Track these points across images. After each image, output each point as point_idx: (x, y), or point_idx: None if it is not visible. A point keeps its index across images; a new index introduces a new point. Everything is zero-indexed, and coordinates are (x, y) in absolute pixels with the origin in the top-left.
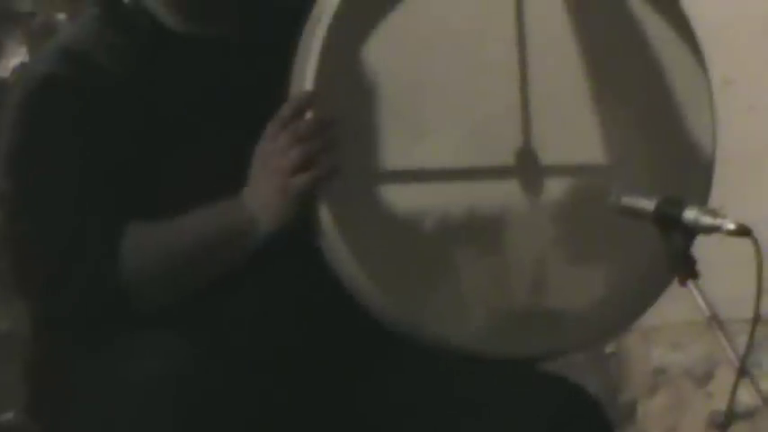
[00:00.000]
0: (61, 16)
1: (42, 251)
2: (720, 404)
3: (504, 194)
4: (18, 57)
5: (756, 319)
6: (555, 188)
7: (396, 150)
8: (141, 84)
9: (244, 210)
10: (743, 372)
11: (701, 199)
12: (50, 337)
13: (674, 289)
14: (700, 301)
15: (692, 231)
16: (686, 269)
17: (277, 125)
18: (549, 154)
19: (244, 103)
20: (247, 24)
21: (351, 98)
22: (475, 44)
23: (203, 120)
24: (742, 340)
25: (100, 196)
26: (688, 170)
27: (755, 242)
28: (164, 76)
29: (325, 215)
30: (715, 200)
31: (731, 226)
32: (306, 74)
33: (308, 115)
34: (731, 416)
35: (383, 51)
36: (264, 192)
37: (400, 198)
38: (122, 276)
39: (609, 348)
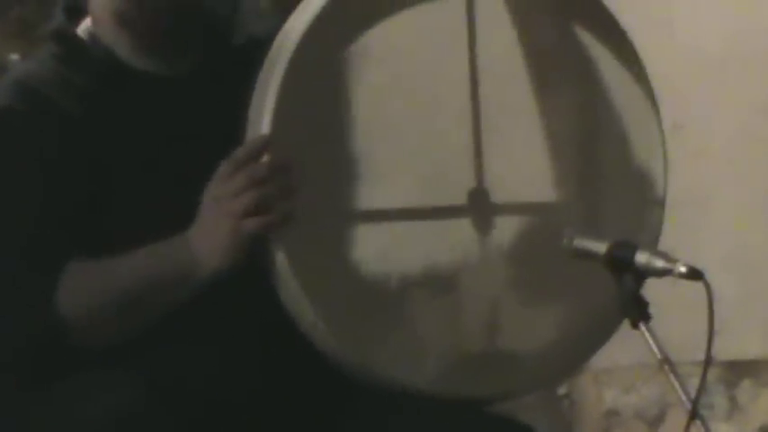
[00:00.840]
0: (14, 56)
1: None
2: None
3: (457, 235)
4: None
5: (708, 361)
6: (508, 228)
7: (351, 192)
8: (95, 120)
9: (189, 250)
10: (694, 414)
11: (653, 239)
12: None
13: (626, 331)
14: (651, 343)
15: (644, 274)
16: (638, 312)
17: (231, 167)
18: (502, 194)
19: (197, 142)
20: (205, 63)
21: (307, 141)
22: (429, 86)
23: (156, 157)
24: (694, 383)
25: (43, 232)
26: (640, 211)
27: (707, 285)
28: (118, 113)
29: (279, 256)
30: (666, 243)
31: (683, 269)
32: (262, 117)
33: (264, 159)
34: None
35: (339, 95)
36: (214, 233)
37: (354, 240)
38: (58, 314)
39: (561, 390)
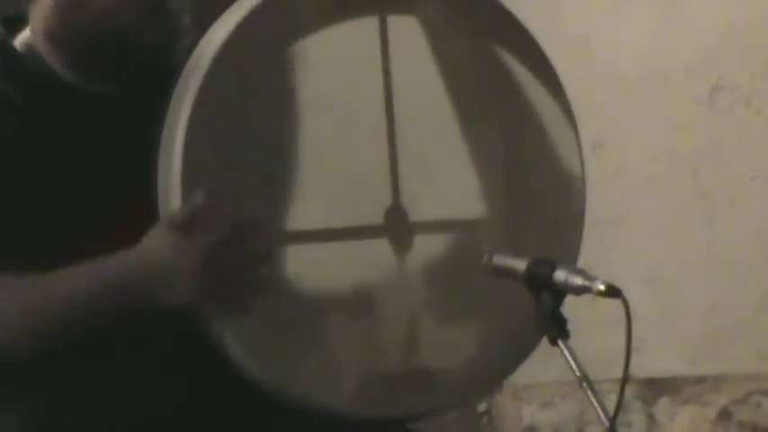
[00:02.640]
0: None
1: None
2: None
3: (374, 254)
4: None
5: (626, 379)
6: (426, 247)
7: (267, 213)
8: (25, 131)
9: (149, 279)
10: (612, 431)
11: (572, 256)
12: None
13: (545, 348)
14: (570, 360)
15: (563, 292)
16: (556, 329)
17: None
18: (421, 212)
19: (122, 160)
20: (139, 86)
21: (223, 165)
22: (345, 106)
23: (81, 172)
24: (612, 399)
25: None
26: (559, 229)
27: (625, 303)
28: (48, 127)
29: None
30: (585, 260)
31: (601, 287)
32: (174, 145)
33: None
34: None
35: (254, 120)
36: (193, 277)
37: (276, 262)
38: None
39: (481, 407)
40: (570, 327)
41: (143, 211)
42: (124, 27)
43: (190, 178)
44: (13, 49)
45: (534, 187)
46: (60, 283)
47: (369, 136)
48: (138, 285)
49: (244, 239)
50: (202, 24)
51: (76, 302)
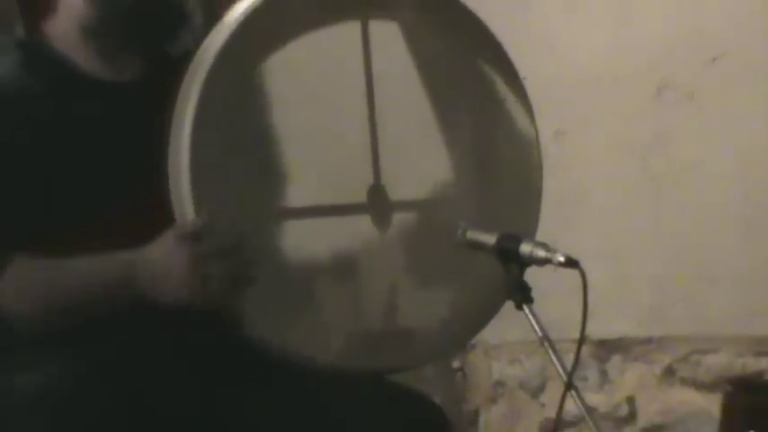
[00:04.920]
0: None
1: None
2: (551, 413)
3: (358, 228)
4: None
5: (582, 339)
6: (404, 221)
7: (266, 193)
8: (53, 122)
9: (147, 273)
10: (570, 385)
11: (532, 229)
12: None
13: (512, 312)
14: (533, 323)
15: (527, 263)
16: (521, 295)
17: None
18: (399, 191)
19: (135, 142)
20: (149, 72)
21: (225, 150)
22: (331, 97)
23: (100, 156)
24: (570, 358)
25: None
26: (521, 206)
27: (582, 273)
28: (68, 113)
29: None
30: (547, 235)
31: (561, 258)
32: (183, 127)
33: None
34: (559, 424)
35: (251, 106)
36: (181, 275)
37: (269, 235)
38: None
39: (455, 363)
40: (533, 293)
41: (154, 195)
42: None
43: (198, 180)
44: (35, 45)
45: (499, 170)
46: (78, 269)
47: (353, 124)
48: (137, 281)
49: (230, 254)
50: (213, 17)
51: (89, 287)
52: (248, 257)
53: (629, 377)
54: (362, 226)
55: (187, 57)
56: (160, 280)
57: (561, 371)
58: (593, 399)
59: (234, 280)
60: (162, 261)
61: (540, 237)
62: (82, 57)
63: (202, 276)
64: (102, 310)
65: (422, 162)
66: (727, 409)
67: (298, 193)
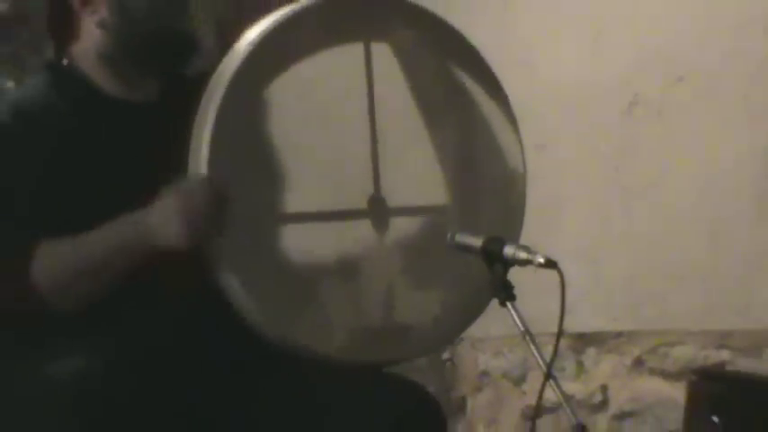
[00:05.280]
0: (9, 83)
1: None
2: (531, 400)
3: (359, 232)
4: None
5: (560, 333)
6: (401, 227)
7: (276, 200)
8: (76, 136)
9: (150, 225)
10: (549, 375)
11: (516, 234)
12: None
13: (496, 309)
14: (516, 318)
15: (510, 264)
16: (505, 293)
17: (193, 186)
18: (396, 199)
19: (151, 155)
20: (165, 92)
21: (240, 160)
22: (337, 115)
23: (118, 166)
24: (549, 350)
25: (22, 216)
26: (506, 213)
27: (560, 273)
28: (92, 130)
29: (220, 254)
30: (528, 239)
31: (541, 260)
32: (201, 144)
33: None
34: (539, 410)
35: (264, 122)
36: (174, 222)
37: (279, 237)
38: (33, 283)
39: (445, 355)
40: (516, 291)
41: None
42: (166, 33)
43: (213, 166)
44: (62, 67)
45: (487, 180)
46: (97, 234)
47: (356, 138)
48: (145, 230)
49: (206, 196)
50: (225, 44)
51: (108, 246)
52: (221, 209)
53: (603, 368)
54: (363, 230)
55: (199, 78)
56: (160, 224)
57: (541, 362)
58: (570, 387)
59: (211, 223)
60: (161, 202)
61: (522, 240)
62: (102, 78)
63: (188, 219)
64: (126, 269)
65: (417, 174)
66: (692, 397)
67: (306, 200)
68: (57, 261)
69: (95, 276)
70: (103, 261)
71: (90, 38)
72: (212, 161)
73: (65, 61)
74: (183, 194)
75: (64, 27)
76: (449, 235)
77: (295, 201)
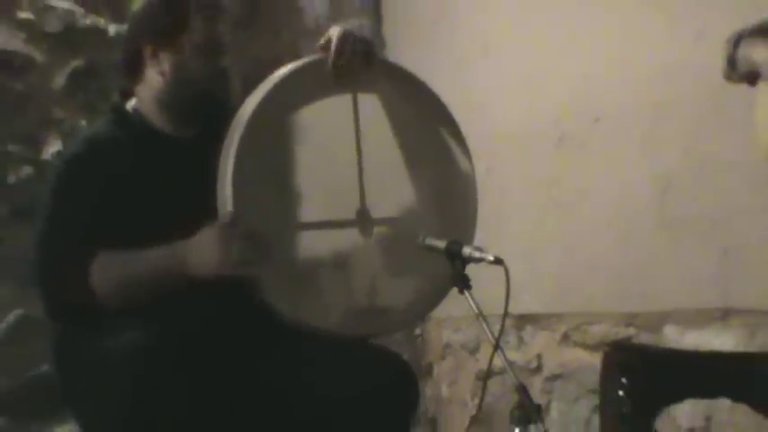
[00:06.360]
0: (83, 122)
1: (44, 265)
2: (483, 366)
3: (349, 237)
4: (54, 146)
5: (505, 314)
6: (382, 233)
7: (288, 212)
8: (133, 164)
9: (186, 258)
10: (497, 347)
11: (470, 237)
12: (53, 323)
13: (456, 295)
14: (471, 303)
15: (467, 261)
16: (463, 283)
17: (228, 227)
18: (378, 212)
19: (195, 181)
20: (204, 129)
21: (257, 184)
22: (332, 146)
23: (168, 191)
24: (497, 327)
25: (84, 234)
26: (462, 221)
27: (506, 268)
28: (148, 161)
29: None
30: (481, 241)
31: (491, 258)
32: (227, 169)
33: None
34: (489, 373)
35: (277, 152)
36: (209, 256)
37: (288, 240)
38: (91, 284)
39: (416, 331)
40: (472, 282)
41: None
42: (209, 93)
43: (236, 198)
44: (125, 109)
45: (448, 196)
46: (145, 255)
47: (346, 165)
48: (187, 258)
49: (248, 238)
50: (247, 88)
51: (154, 268)
52: (261, 242)
53: (538, 341)
54: (352, 235)
55: (227, 118)
56: (202, 256)
57: (491, 336)
58: (513, 356)
59: (250, 255)
60: (200, 239)
61: (476, 243)
62: (156, 118)
63: (229, 251)
64: (165, 286)
65: (395, 192)
66: (606, 364)
67: (307, 212)
68: (109, 273)
69: (138, 289)
70: (147, 279)
71: (151, 84)
72: (236, 199)
73: (127, 105)
74: (215, 232)
75: (134, 72)
76: (419, 238)
77: (299, 213)
